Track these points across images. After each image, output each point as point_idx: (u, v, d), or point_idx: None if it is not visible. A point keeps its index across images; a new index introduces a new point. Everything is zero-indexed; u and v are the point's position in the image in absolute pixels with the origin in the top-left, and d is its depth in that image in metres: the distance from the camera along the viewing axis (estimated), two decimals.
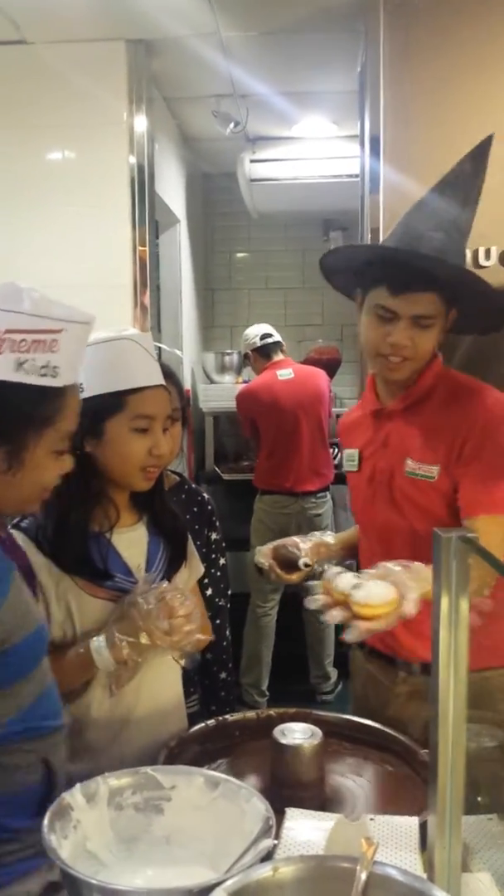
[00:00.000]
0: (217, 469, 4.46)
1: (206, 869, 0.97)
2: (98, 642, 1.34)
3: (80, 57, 3.07)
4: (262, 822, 0.94)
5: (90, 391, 1.37)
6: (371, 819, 1.03)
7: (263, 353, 4.07)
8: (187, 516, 1.89)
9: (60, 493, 1.39)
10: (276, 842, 0.94)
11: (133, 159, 3.11)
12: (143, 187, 3.14)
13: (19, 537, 1.40)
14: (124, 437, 1.40)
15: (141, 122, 3.13)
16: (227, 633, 2.00)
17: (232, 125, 3.82)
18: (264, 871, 0.84)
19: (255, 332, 4.11)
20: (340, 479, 4.50)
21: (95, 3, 2.81)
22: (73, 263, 3.11)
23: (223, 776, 1.05)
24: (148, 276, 3.16)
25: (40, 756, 1.12)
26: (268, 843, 0.90)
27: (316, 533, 1.80)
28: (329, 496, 4.03)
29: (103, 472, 1.43)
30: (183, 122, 4.15)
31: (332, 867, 0.86)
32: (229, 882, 0.81)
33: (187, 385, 4.15)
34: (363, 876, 0.83)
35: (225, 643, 1.97)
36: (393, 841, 0.98)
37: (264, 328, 4.11)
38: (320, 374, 4.10)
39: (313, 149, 4.25)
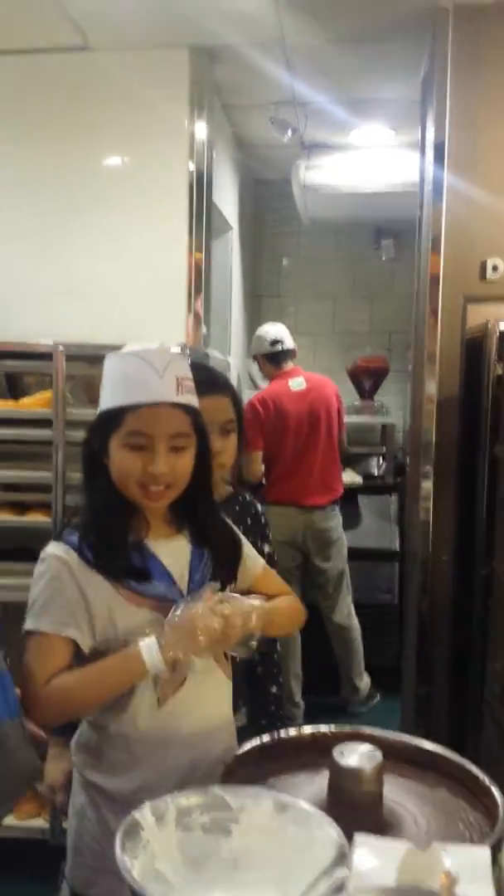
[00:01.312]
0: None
1: (274, 895, 0.96)
2: (149, 641, 1.33)
3: (143, 64, 3.10)
4: (335, 850, 0.93)
5: (102, 406, 1.43)
6: (443, 849, 1.01)
7: (272, 361, 3.92)
8: (241, 527, 1.88)
9: (91, 505, 1.44)
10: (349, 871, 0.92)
11: (192, 166, 3.12)
12: (201, 194, 3.15)
13: (60, 549, 1.41)
14: (119, 453, 1.40)
15: (201, 130, 3.14)
16: (278, 646, 1.99)
17: (289, 132, 3.82)
18: None
19: (266, 336, 3.91)
20: (377, 489, 4.48)
21: (161, 10, 2.83)
22: (129, 270, 3.14)
23: (292, 799, 1.04)
24: (203, 284, 3.17)
25: None
26: (343, 872, 0.89)
27: None
28: (338, 510, 3.94)
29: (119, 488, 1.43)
30: (239, 128, 4.16)
31: None
32: None
33: None
34: None
35: (275, 656, 1.95)
36: (466, 872, 0.95)
37: (276, 332, 3.91)
38: (330, 384, 3.97)
39: (370, 156, 4.23)
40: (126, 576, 1.40)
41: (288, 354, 3.92)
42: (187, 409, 1.43)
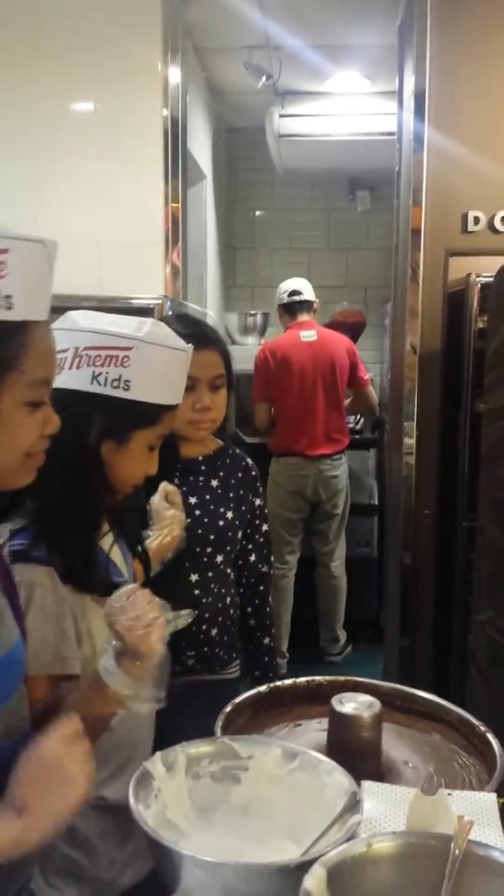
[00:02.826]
0: (239, 432, 4.43)
1: (286, 841, 0.97)
2: (104, 662, 1.07)
3: (113, 3, 2.97)
4: (347, 797, 0.94)
5: (138, 393, 1.24)
6: (449, 794, 1.02)
7: (289, 311, 3.99)
8: (232, 481, 1.87)
9: (72, 507, 1.23)
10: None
11: (166, 112, 3.02)
12: (175, 141, 3.06)
13: (40, 574, 1.19)
14: (142, 453, 1.29)
15: (175, 74, 3.04)
16: (270, 599, 1.99)
17: (264, 78, 3.73)
18: (359, 847, 0.83)
19: (286, 286, 4.00)
20: (355, 444, 4.51)
21: None
22: (101, 220, 3.04)
23: (301, 748, 1.04)
24: (179, 234, 3.10)
25: None
26: (357, 818, 0.90)
27: None
28: (344, 459, 4.01)
29: (108, 478, 1.30)
30: (212, 73, 4.05)
31: (425, 844, 0.85)
32: (327, 857, 0.80)
33: None
34: (459, 854, 0.82)
35: (268, 609, 1.96)
36: (474, 817, 0.97)
37: (295, 284, 3.99)
38: (343, 341, 4.02)
39: (345, 105, 4.15)
40: (104, 588, 1.20)
41: (305, 306, 3.98)
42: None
